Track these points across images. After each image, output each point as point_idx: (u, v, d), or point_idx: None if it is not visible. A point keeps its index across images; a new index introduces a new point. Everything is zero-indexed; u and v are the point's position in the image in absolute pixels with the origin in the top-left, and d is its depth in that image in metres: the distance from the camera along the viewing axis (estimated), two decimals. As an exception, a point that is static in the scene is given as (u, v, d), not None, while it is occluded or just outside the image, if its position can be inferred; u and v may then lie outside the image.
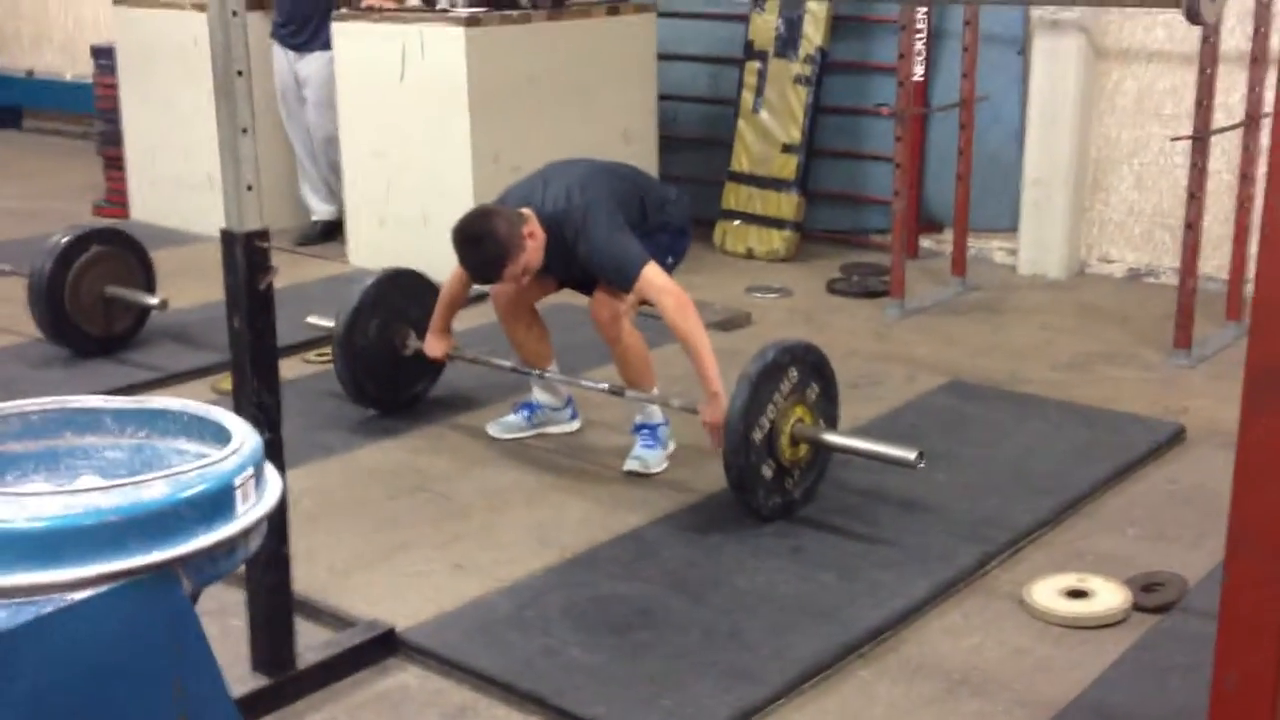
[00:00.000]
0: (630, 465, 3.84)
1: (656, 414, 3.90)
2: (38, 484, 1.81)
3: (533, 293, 3.97)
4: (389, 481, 3.83)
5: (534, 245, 3.67)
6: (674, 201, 3.98)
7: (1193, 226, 4.64)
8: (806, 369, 3.50)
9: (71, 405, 1.85)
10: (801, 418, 3.47)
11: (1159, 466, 3.87)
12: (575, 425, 4.18)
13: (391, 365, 4.20)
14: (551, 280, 3.97)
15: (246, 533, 1.67)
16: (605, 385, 3.91)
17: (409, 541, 3.46)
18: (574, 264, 3.77)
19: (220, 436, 1.82)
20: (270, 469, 1.79)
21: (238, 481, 1.66)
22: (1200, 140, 4.56)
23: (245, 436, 1.75)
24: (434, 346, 4.11)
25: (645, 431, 3.89)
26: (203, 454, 1.82)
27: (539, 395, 4.13)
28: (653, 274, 3.62)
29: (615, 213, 3.71)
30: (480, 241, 3.63)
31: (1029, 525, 3.45)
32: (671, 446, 3.93)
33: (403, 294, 4.21)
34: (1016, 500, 3.59)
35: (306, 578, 3.06)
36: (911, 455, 3.35)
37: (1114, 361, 4.79)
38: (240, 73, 2.62)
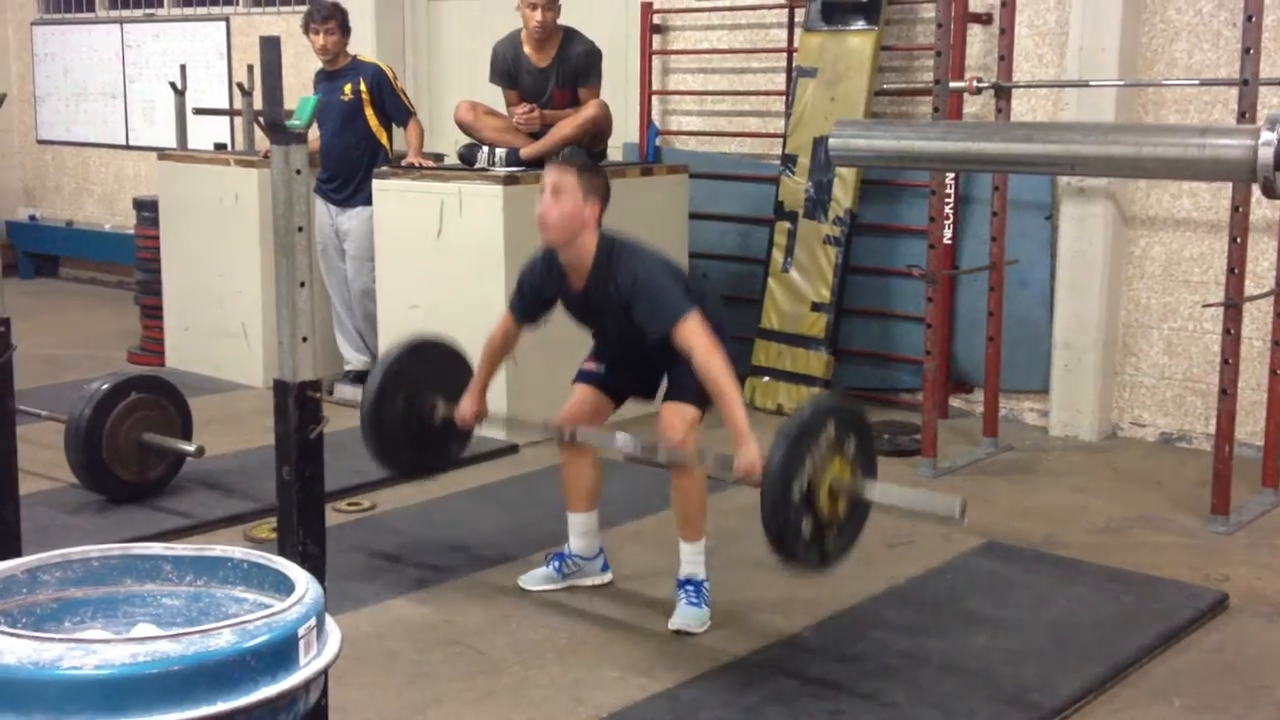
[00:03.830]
0: (675, 624, 3.79)
1: (701, 569, 3.87)
2: (95, 631, 1.80)
3: (598, 414, 3.96)
4: (420, 635, 3.79)
5: (590, 219, 3.69)
6: (711, 298, 3.97)
7: (1228, 392, 4.65)
8: (844, 423, 3.40)
9: (134, 552, 1.85)
10: (840, 473, 3.37)
11: (1203, 635, 3.80)
12: (606, 577, 4.14)
13: (422, 434, 4.13)
14: (608, 400, 3.96)
15: (308, 685, 1.65)
16: (633, 445, 3.82)
17: (441, 697, 3.40)
18: (629, 337, 3.73)
19: (279, 585, 1.82)
20: (330, 620, 1.78)
21: (301, 632, 1.65)
22: (1233, 307, 4.60)
23: (308, 586, 1.74)
24: (466, 409, 4.04)
25: (690, 589, 3.85)
26: (261, 603, 1.82)
27: (573, 543, 4.10)
28: (696, 323, 3.56)
29: (668, 268, 3.77)
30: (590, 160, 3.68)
31: (1074, 694, 3.38)
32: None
33: (428, 364, 4.16)
34: (1061, 667, 3.52)
35: (340, 733, 3.00)
36: (955, 509, 3.23)
37: (1151, 526, 4.75)
38: (301, 228, 2.68)
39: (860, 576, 4.16)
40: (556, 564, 4.12)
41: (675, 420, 3.74)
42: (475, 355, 4.16)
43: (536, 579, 4.12)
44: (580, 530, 4.09)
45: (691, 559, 3.86)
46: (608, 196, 3.78)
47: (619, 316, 3.76)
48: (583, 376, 4.02)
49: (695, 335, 3.55)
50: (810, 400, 3.41)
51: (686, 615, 3.80)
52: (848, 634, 3.75)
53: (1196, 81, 5.51)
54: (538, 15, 5.76)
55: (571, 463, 4.03)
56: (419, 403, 4.13)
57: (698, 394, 3.74)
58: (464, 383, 4.12)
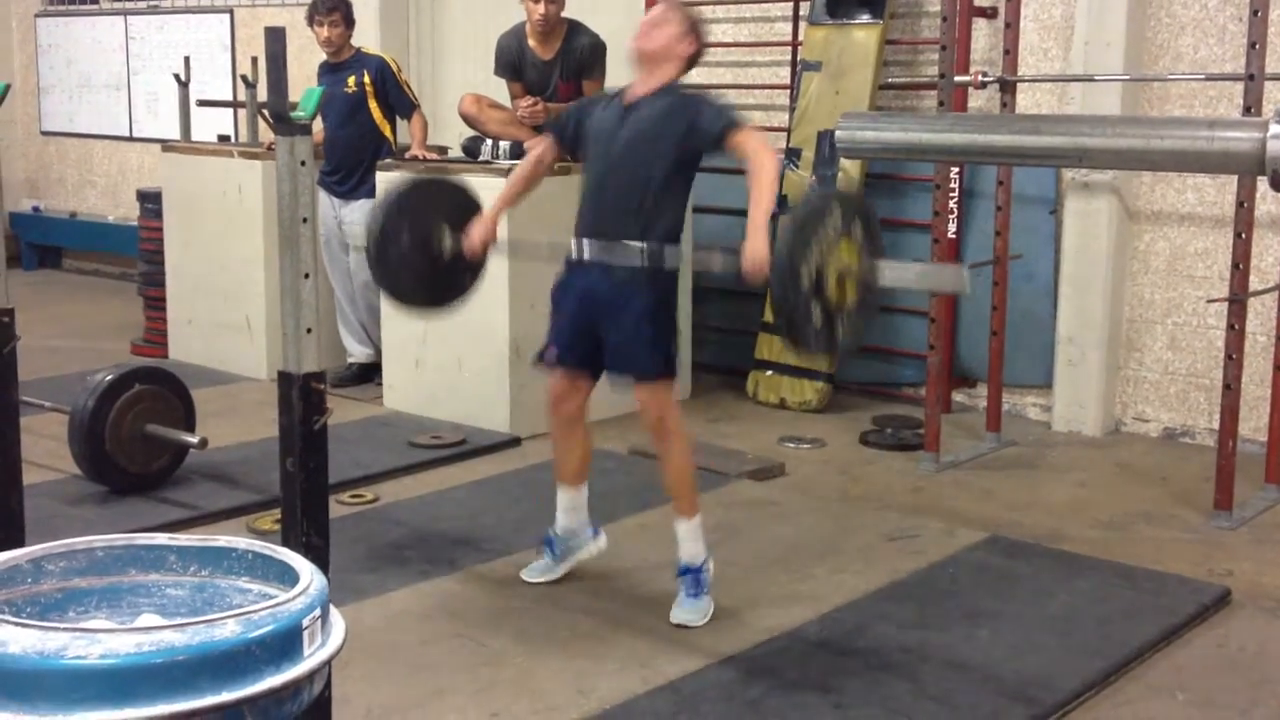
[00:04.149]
0: (676, 619, 3.79)
1: (700, 550, 3.86)
2: (99, 620, 1.80)
3: (578, 391, 3.97)
4: (424, 626, 3.79)
5: (680, 56, 3.79)
6: None
7: (1232, 388, 4.65)
8: (849, 210, 3.38)
9: (138, 542, 1.85)
10: (848, 259, 3.35)
11: (1206, 630, 3.80)
12: (601, 542, 4.14)
13: (432, 270, 4.06)
14: (582, 374, 3.95)
15: (312, 675, 1.65)
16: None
17: (444, 688, 3.41)
18: (629, 180, 3.75)
19: (283, 576, 1.82)
20: (334, 611, 1.78)
21: (306, 622, 1.65)
22: (1238, 303, 4.59)
23: (312, 577, 1.74)
24: (475, 236, 3.97)
25: (689, 578, 3.85)
26: (265, 593, 1.82)
27: (560, 520, 4.08)
28: (751, 130, 3.70)
29: None
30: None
31: (1077, 688, 3.37)
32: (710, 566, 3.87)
33: (431, 199, 4.10)
34: (1063, 662, 3.52)
35: (343, 724, 3.00)
36: (962, 279, 3.21)
37: (1154, 522, 4.74)
38: (305, 219, 2.68)
39: (862, 571, 4.17)
40: (549, 550, 4.12)
41: (651, 401, 3.80)
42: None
43: (537, 570, 4.12)
44: (568, 506, 4.08)
45: (688, 538, 3.85)
46: (697, 59, 3.86)
47: (649, 141, 3.75)
48: (552, 360, 3.98)
49: (751, 137, 3.67)
50: (814, 189, 3.36)
51: (686, 609, 3.80)
52: (850, 628, 3.75)
53: (1202, 76, 5.50)
54: (541, 8, 5.76)
55: (564, 436, 4.04)
56: (425, 237, 4.03)
57: (659, 362, 3.79)
58: (470, 216, 4.07)
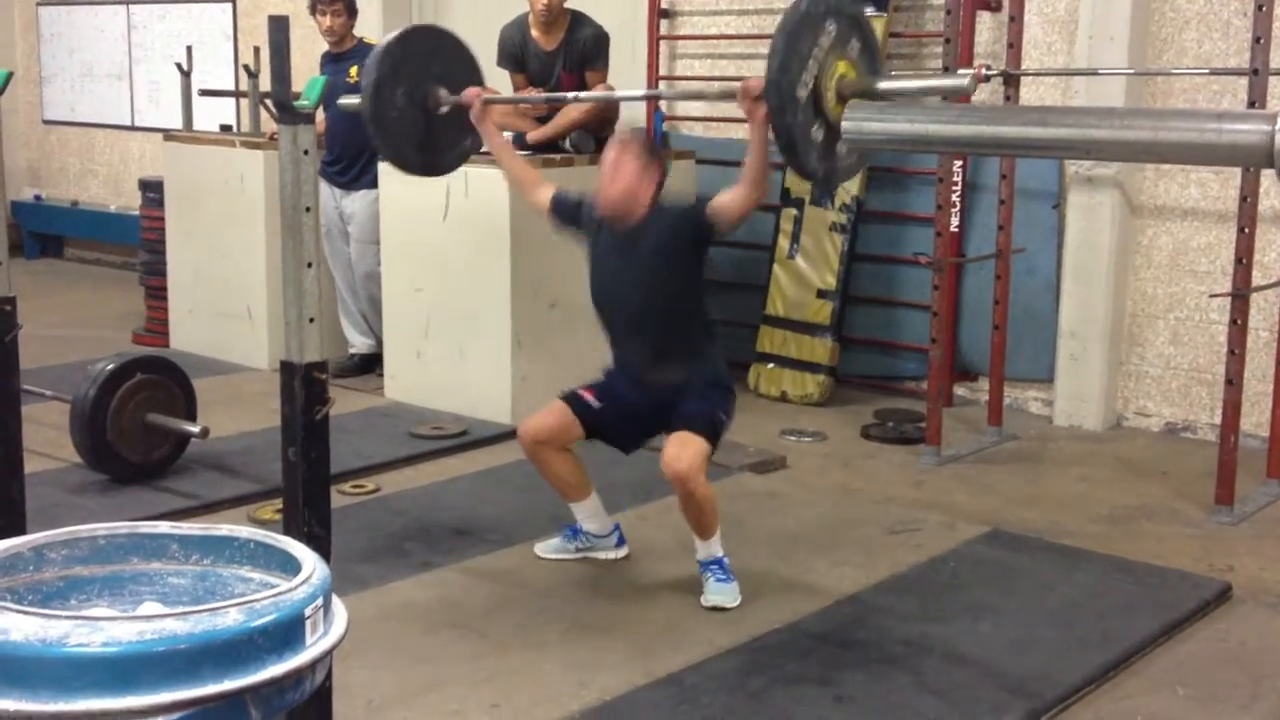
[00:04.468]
0: (711, 602, 3.82)
1: (718, 548, 3.88)
2: (101, 608, 1.80)
3: (564, 432, 3.97)
4: (425, 616, 3.79)
5: (647, 196, 3.78)
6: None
7: (1234, 383, 4.64)
8: (845, 22, 3.26)
9: (140, 530, 1.85)
10: (845, 73, 3.27)
11: (1207, 625, 3.80)
12: (622, 552, 4.17)
13: (429, 128, 4.06)
14: (580, 428, 3.96)
15: (314, 665, 1.65)
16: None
17: (445, 679, 3.41)
18: (644, 300, 3.81)
19: (285, 565, 1.82)
20: (337, 600, 1.78)
21: (308, 612, 1.64)
22: (1240, 298, 4.59)
23: (315, 566, 1.74)
24: (471, 90, 4.08)
25: (714, 567, 3.87)
26: (267, 582, 1.82)
27: (584, 523, 4.11)
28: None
29: None
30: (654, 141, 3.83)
31: (1077, 682, 3.37)
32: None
33: (421, 54, 4.06)
34: (1063, 655, 3.52)
35: (344, 714, 3.00)
36: (965, 81, 3.16)
37: (1155, 516, 4.74)
38: (308, 209, 2.68)
39: (864, 564, 4.17)
40: (570, 535, 4.15)
41: (682, 451, 3.72)
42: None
43: (552, 547, 4.17)
44: (586, 515, 4.11)
45: (709, 546, 3.89)
46: (665, 178, 3.87)
47: (649, 253, 3.79)
48: (572, 400, 3.99)
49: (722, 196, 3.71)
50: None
51: (720, 592, 3.83)
52: (851, 621, 3.75)
53: (1206, 71, 5.49)
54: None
55: (541, 461, 4.02)
56: (421, 94, 4.03)
57: (708, 426, 3.78)
58: (464, 68, 4.09)
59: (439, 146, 4.19)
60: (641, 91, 4.27)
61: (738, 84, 3.58)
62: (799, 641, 3.61)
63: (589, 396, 3.99)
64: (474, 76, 4.29)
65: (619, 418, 3.97)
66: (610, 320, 3.99)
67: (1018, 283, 5.75)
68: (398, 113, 4.04)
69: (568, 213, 4.03)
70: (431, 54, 4.13)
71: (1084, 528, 4.59)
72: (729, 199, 3.72)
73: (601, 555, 4.15)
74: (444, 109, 4.11)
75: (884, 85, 3.36)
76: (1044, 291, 5.98)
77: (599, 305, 3.99)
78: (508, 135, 5.83)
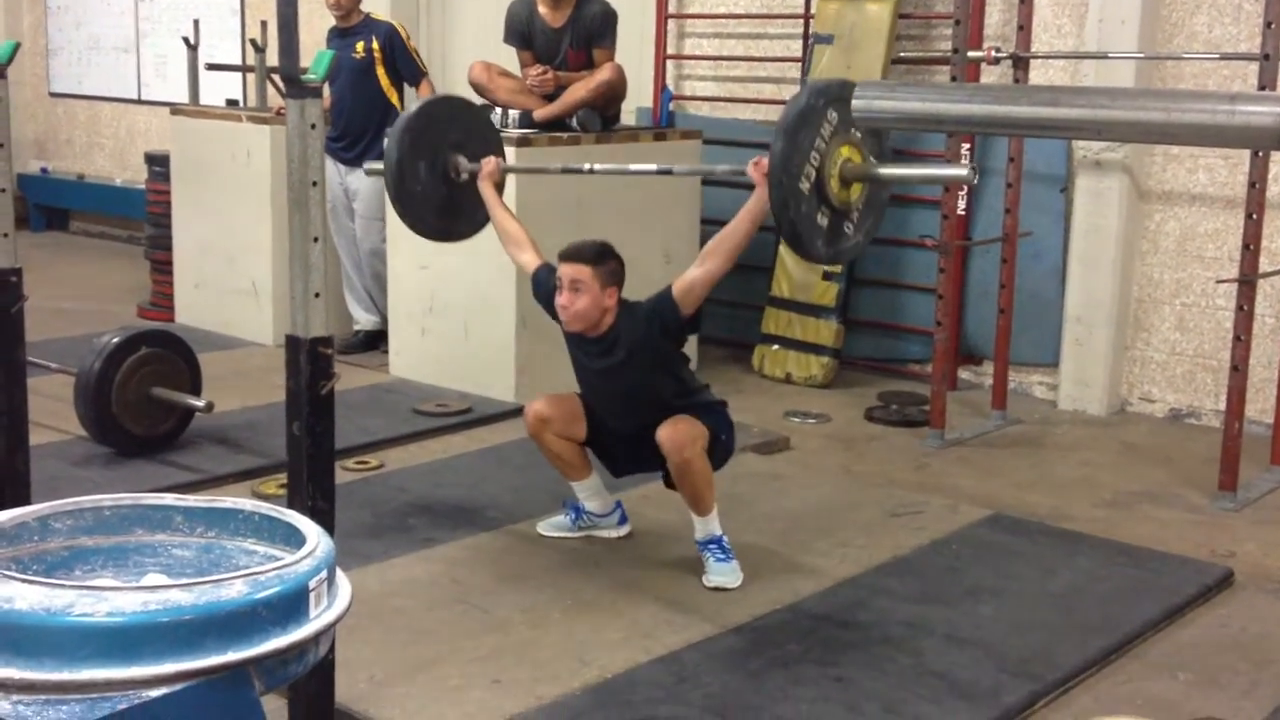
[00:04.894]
0: (713, 582, 3.83)
1: (716, 525, 3.89)
2: (105, 579, 1.80)
3: (574, 419, 3.99)
4: (427, 592, 3.80)
5: (610, 305, 3.78)
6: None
7: (1239, 369, 4.64)
8: (846, 108, 3.30)
9: (145, 502, 1.85)
10: (849, 158, 3.31)
11: (1208, 610, 3.81)
12: (624, 530, 4.18)
13: (450, 196, 4.18)
14: (585, 426, 3.98)
15: (317, 637, 1.65)
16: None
17: (447, 654, 3.42)
18: (629, 393, 3.83)
19: (290, 538, 1.82)
20: (341, 574, 1.78)
21: (312, 584, 1.65)
22: (1247, 284, 4.58)
23: (319, 539, 1.75)
24: (491, 162, 4.16)
25: (713, 546, 3.88)
26: (271, 555, 1.82)
27: (586, 502, 4.12)
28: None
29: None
30: (604, 246, 3.81)
31: (1078, 665, 3.38)
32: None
33: (438, 124, 4.18)
34: (1064, 639, 3.53)
35: (346, 688, 3.02)
36: (965, 171, 3.25)
37: (1158, 501, 4.74)
38: (315, 183, 2.67)
39: (865, 546, 4.18)
40: (573, 515, 4.17)
41: (680, 424, 3.74)
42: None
43: (553, 525, 4.19)
44: (587, 494, 4.11)
45: (707, 524, 3.89)
46: (623, 279, 3.84)
47: (623, 357, 3.81)
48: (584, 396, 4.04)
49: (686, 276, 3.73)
50: (806, 88, 3.33)
51: (721, 571, 3.84)
52: (852, 602, 3.75)
53: (1217, 55, 5.47)
54: (552, -23, 5.73)
55: (543, 441, 4.03)
56: (441, 164, 4.15)
57: (708, 419, 3.82)
58: (481, 133, 4.23)
59: (460, 213, 4.29)
60: (654, 167, 4.45)
61: (748, 166, 3.57)
62: (800, 622, 3.62)
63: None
64: (492, 141, 4.36)
65: (613, 441, 4.00)
66: (595, 402, 4.01)
67: (1024, 266, 5.74)
68: (420, 185, 4.13)
69: (544, 297, 4.00)
70: (450, 121, 4.24)
71: (1086, 512, 4.60)
72: (697, 275, 3.70)
73: (604, 534, 4.16)
74: (464, 176, 4.20)
75: (886, 172, 3.43)
76: (1050, 276, 5.97)
77: (583, 387, 4.02)
78: (514, 114, 5.83)
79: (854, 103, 3.20)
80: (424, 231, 4.28)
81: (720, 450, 3.88)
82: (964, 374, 6.25)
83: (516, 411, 5.55)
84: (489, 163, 4.18)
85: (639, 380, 3.85)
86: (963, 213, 5.96)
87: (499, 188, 4.28)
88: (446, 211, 4.24)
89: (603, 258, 3.80)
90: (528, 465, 4.87)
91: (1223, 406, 4.86)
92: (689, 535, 3.95)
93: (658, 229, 6.14)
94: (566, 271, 3.79)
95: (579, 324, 3.82)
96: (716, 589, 3.81)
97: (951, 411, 5.46)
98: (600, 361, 3.88)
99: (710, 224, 6.61)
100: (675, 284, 3.76)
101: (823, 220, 3.29)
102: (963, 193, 5.92)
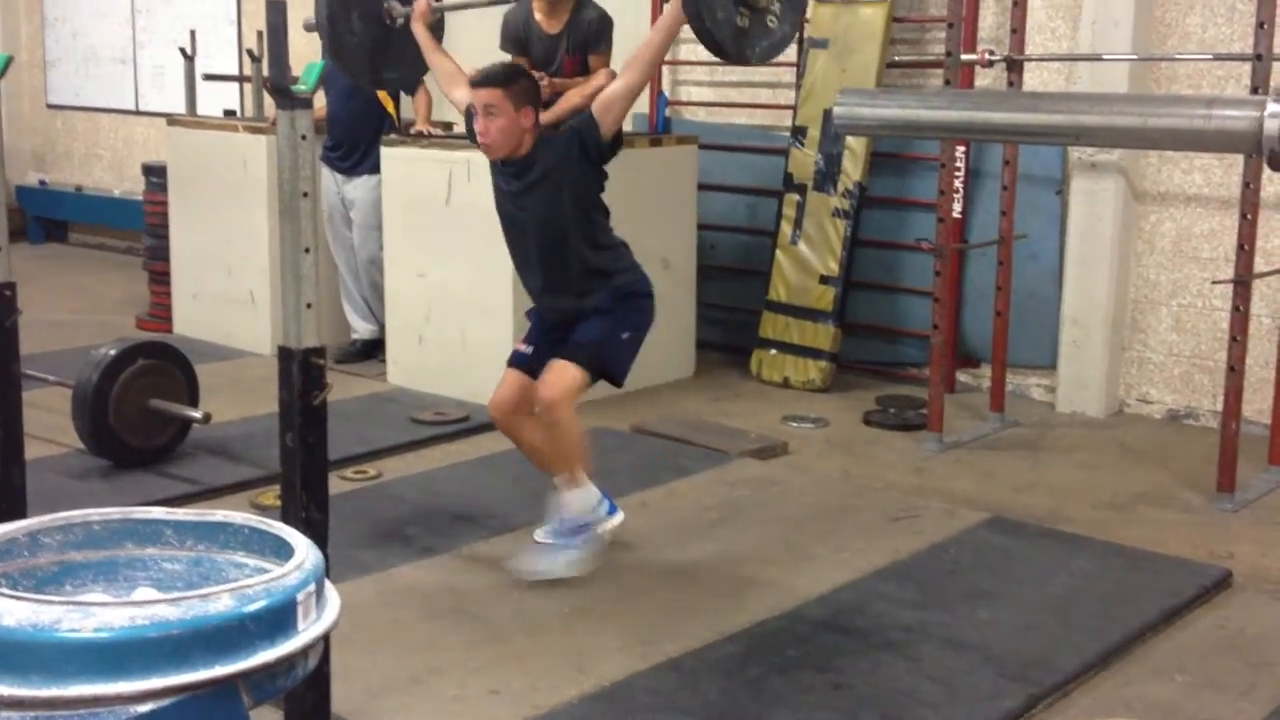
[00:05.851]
0: (544, 572, 3.85)
1: (585, 512, 3.91)
2: (95, 594, 1.80)
3: (525, 398, 3.98)
4: (424, 602, 3.80)
5: (528, 126, 3.79)
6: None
7: (1235, 370, 4.63)
8: None
9: (134, 516, 1.85)
10: None
11: (1206, 612, 3.80)
12: (618, 518, 4.13)
13: (387, 42, 4.27)
14: (529, 378, 3.98)
15: (306, 650, 1.65)
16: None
17: (444, 665, 3.41)
18: (551, 217, 3.85)
19: (279, 551, 1.82)
20: (330, 586, 1.78)
21: (300, 597, 1.65)
22: (1243, 284, 4.57)
23: (307, 552, 1.74)
24: (420, 3, 4.23)
25: (568, 530, 3.90)
26: (261, 568, 1.82)
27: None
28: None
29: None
30: (515, 67, 3.91)
31: (1076, 668, 3.38)
32: (611, 524, 3.93)
33: None
34: (1063, 642, 3.52)
35: (343, 698, 3.01)
36: None
37: (1156, 503, 4.74)
38: (306, 194, 2.68)
39: (864, 550, 4.17)
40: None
41: (554, 380, 3.80)
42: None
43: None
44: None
45: (574, 504, 3.92)
46: (539, 100, 3.89)
47: (539, 180, 3.82)
48: (514, 360, 4.06)
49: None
50: None
51: (563, 559, 3.87)
52: (850, 607, 3.75)
53: (1210, 56, 5.47)
54: (550, -21, 5.73)
55: (516, 434, 4.04)
56: (375, 12, 4.24)
57: (590, 357, 3.83)
58: None
59: (401, 59, 4.38)
60: None
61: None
62: (798, 628, 3.62)
63: (522, 347, 4.06)
64: None
65: (545, 351, 3.98)
66: (514, 249, 4.02)
67: (1020, 269, 5.74)
68: (355, 36, 4.23)
69: (472, 132, 4.04)
70: None
71: (1085, 514, 4.59)
72: (615, 88, 3.77)
73: (602, 530, 4.12)
74: (399, 21, 4.30)
75: None
76: (1047, 278, 5.97)
77: (505, 235, 4.03)
78: None
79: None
80: (365, 81, 4.39)
81: (613, 353, 3.88)
82: (962, 377, 6.25)
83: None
84: (420, 3, 4.25)
85: (553, 211, 3.83)
86: (959, 215, 5.97)
87: (436, 30, 4.34)
88: (384, 59, 4.30)
89: (513, 78, 3.83)
90: (525, 474, 4.86)
91: (1220, 407, 4.86)
92: (689, 541, 3.96)
93: (655, 236, 6.13)
94: (480, 97, 3.79)
95: (500, 149, 3.82)
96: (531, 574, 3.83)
97: (949, 414, 5.46)
98: (517, 183, 3.88)
99: (707, 229, 6.63)
100: (594, 102, 3.81)
101: (743, 22, 3.29)
102: (958, 195, 5.92)
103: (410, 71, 4.46)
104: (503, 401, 4.01)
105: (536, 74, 5.85)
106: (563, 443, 3.85)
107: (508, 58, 6.05)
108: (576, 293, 3.92)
